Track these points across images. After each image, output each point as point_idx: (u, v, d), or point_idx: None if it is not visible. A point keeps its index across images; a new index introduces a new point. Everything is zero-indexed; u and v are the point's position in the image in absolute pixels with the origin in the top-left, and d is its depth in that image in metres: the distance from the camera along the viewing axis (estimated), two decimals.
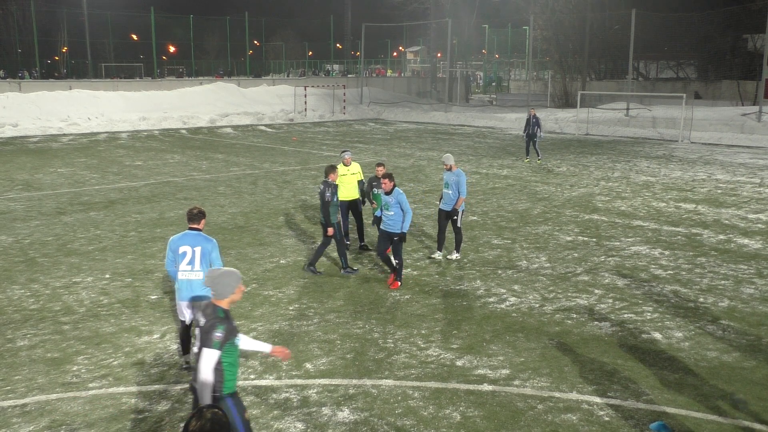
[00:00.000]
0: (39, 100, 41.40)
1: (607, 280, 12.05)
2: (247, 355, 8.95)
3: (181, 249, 7.96)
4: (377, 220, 12.70)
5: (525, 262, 13.18)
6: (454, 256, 13.33)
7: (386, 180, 11.71)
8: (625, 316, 10.37)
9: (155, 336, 9.62)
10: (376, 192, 13.40)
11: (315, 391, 7.97)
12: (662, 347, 9.19)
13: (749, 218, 16.91)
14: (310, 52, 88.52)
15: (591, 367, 8.59)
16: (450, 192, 13.13)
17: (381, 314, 10.43)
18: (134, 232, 15.42)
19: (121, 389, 8.04)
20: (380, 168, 13.19)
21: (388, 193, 11.57)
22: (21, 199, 19.23)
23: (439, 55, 66.25)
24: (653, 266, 12.86)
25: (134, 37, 69.69)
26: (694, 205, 18.40)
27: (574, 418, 7.36)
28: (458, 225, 13.25)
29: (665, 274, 12.39)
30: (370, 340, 9.45)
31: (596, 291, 11.50)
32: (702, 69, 53.24)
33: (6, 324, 10.04)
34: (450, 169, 13.25)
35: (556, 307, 10.77)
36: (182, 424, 7.17)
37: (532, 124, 26.27)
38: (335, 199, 12.15)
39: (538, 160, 26.41)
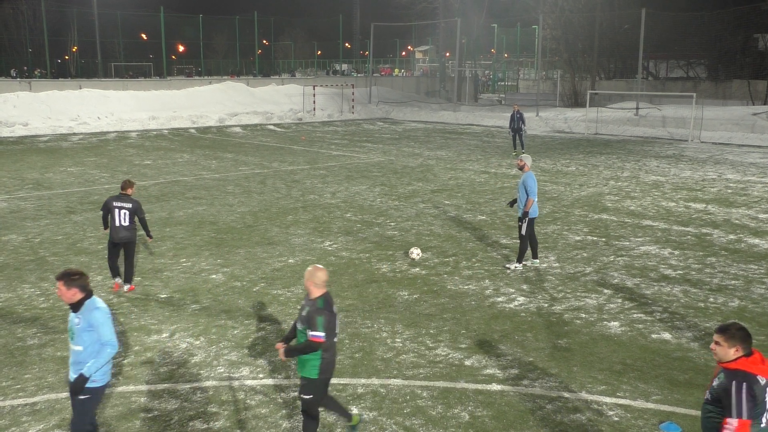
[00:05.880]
0: (49, 99, 41.58)
1: (616, 280, 12.01)
2: (257, 353, 8.97)
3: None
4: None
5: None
6: (513, 265, 12.73)
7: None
8: (635, 315, 10.34)
9: (164, 335, 9.64)
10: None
11: None
12: (672, 347, 9.16)
13: (760, 218, 16.82)
14: (319, 52, 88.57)
15: (600, 366, 8.57)
16: (520, 195, 12.55)
17: (389, 314, 10.42)
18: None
19: (131, 388, 8.07)
20: (130, 188, 11.49)
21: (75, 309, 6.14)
22: (31, 198, 19.32)
23: (447, 54, 66.18)
24: (663, 266, 12.81)
25: (144, 36, 69.90)
26: (704, 205, 18.31)
27: (583, 418, 7.34)
28: (522, 232, 12.52)
29: (675, 274, 12.34)
30: (379, 339, 9.45)
31: (605, 291, 11.46)
32: (712, 68, 52.92)
33: (16, 323, 10.09)
34: (522, 169, 12.56)
35: (565, 306, 10.74)
36: (192, 424, 7.20)
37: (517, 119, 28.63)
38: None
39: (522, 152, 28.03)
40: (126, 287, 11.48)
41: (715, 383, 4.87)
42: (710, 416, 4.90)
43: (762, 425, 4.79)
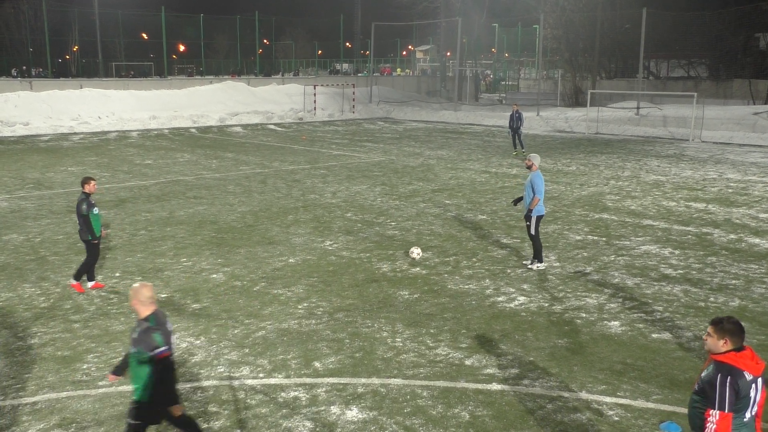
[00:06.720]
0: (50, 99, 41.56)
1: (616, 280, 12.01)
2: (257, 353, 8.96)
3: None
4: None
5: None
6: (535, 266, 12.72)
7: None
8: (635, 315, 10.33)
9: None
10: (95, 212, 11.32)
11: (324, 389, 7.98)
12: (672, 347, 9.15)
13: (760, 217, 16.81)
14: (320, 51, 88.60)
15: (600, 366, 8.56)
16: (527, 193, 12.65)
17: (389, 313, 10.42)
18: (144, 230, 15.48)
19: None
20: (86, 185, 11.34)
21: None
22: (32, 197, 19.33)
23: (448, 54, 66.17)
24: (663, 266, 12.80)
25: (145, 36, 69.93)
26: (705, 205, 18.30)
27: (584, 417, 7.34)
28: (531, 232, 12.60)
29: (675, 274, 12.33)
30: (379, 339, 9.45)
31: (606, 290, 11.46)
32: (713, 68, 52.88)
33: (17, 322, 10.09)
34: (530, 168, 12.77)
35: (566, 306, 10.74)
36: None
37: (516, 119, 28.96)
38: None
39: (522, 151, 28.31)
40: (71, 282, 11.50)
41: (703, 374, 4.95)
42: (696, 406, 4.99)
43: (745, 419, 4.87)
